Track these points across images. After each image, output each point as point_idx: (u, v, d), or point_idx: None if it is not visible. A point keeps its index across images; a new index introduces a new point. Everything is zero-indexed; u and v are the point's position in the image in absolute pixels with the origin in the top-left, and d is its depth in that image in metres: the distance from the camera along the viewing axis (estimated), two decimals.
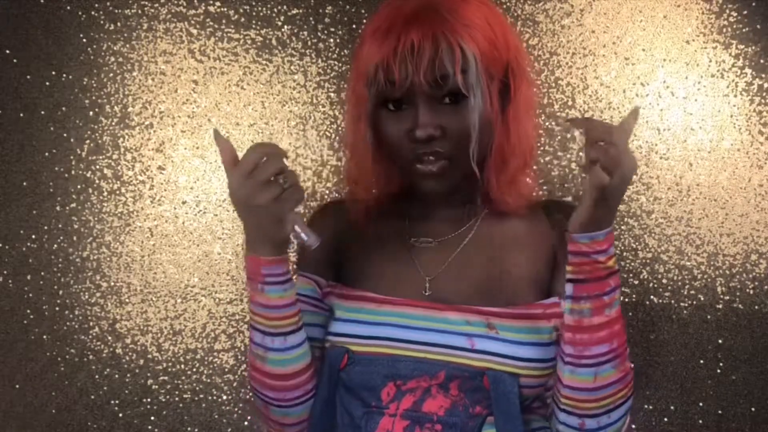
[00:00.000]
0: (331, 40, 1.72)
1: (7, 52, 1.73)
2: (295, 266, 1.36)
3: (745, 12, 1.68)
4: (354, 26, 1.72)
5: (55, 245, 1.73)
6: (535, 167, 1.65)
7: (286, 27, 1.72)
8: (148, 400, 1.73)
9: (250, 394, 1.32)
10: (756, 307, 1.68)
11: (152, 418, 1.73)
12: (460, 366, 1.19)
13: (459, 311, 1.22)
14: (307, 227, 1.13)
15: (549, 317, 1.21)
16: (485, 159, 1.23)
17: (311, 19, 1.72)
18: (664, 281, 1.69)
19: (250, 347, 1.22)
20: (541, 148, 1.69)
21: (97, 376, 1.73)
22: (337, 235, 1.33)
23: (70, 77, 1.73)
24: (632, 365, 1.18)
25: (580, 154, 1.69)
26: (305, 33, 1.72)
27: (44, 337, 1.74)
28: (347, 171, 1.33)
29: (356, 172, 1.30)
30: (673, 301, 1.68)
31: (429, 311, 1.23)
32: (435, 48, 1.13)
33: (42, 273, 1.74)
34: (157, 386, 1.73)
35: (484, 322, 1.20)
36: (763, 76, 1.68)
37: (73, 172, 1.73)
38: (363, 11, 1.71)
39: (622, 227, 1.69)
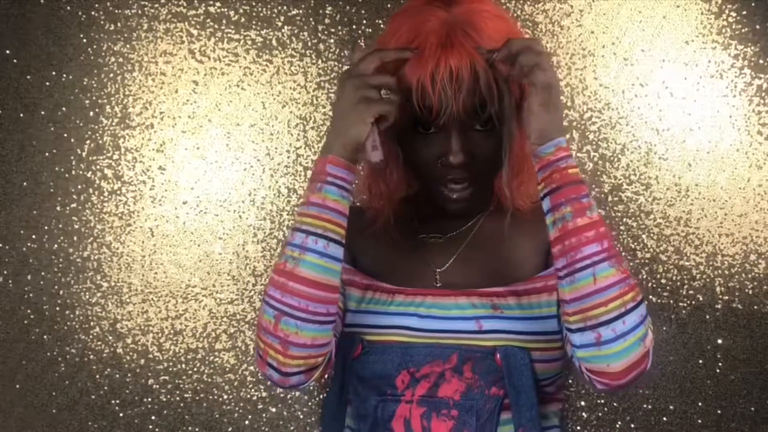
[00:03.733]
0: (332, 40, 1.72)
1: (7, 52, 1.73)
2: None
3: (744, 12, 1.68)
4: (354, 27, 1.72)
5: (56, 245, 1.74)
6: None
7: (286, 27, 1.72)
8: (149, 399, 1.73)
9: (260, 304, 1.20)
10: (755, 307, 1.68)
11: (153, 417, 1.73)
12: (471, 347, 1.20)
13: (466, 296, 1.24)
14: (378, 147, 1.15)
15: (550, 290, 1.23)
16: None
17: (311, 19, 1.72)
18: (663, 281, 1.69)
19: (283, 252, 1.16)
20: None
21: (97, 376, 1.73)
22: (353, 233, 1.33)
23: (71, 77, 1.73)
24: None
25: (579, 155, 1.70)
26: (305, 34, 1.73)
27: (45, 337, 1.74)
28: (366, 183, 1.34)
29: (375, 185, 1.33)
30: (672, 301, 1.69)
31: (439, 298, 1.25)
32: (474, 77, 1.14)
33: (42, 273, 1.74)
34: (158, 386, 1.73)
35: (489, 304, 1.22)
36: (762, 76, 1.68)
37: (73, 173, 1.73)
38: (363, 12, 1.71)
39: (621, 227, 1.70)
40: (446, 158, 1.19)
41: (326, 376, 1.25)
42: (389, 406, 1.21)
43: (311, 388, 1.70)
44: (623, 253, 1.69)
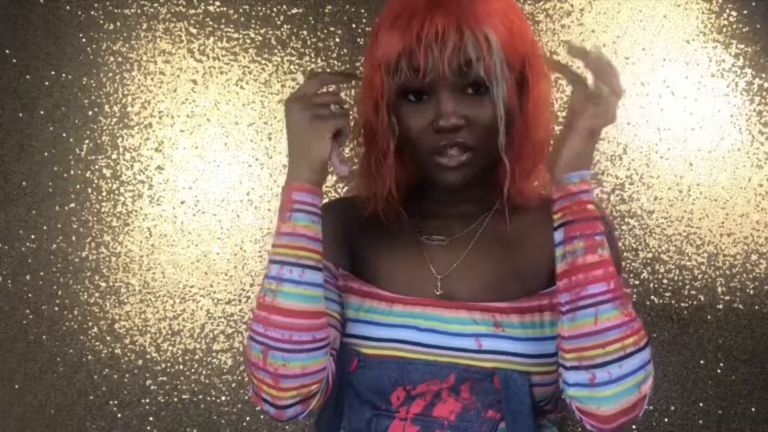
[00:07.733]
0: (331, 39, 1.72)
1: (7, 52, 1.74)
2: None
3: (745, 12, 1.68)
4: (354, 26, 1.72)
5: (54, 245, 1.73)
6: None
7: (285, 26, 1.72)
8: (147, 400, 1.73)
9: (247, 338, 1.20)
10: (756, 307, 1.67)
11: (151, 418, 1.73)
12: (469, 368, 1.17)
13: (467, 309, 1.21)
14: (344, 160, 1.14)
15: (554, 308, 1.18)
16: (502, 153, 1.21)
17: (311, 18, 1.72)
18: (665, 281, 1.68)
19: (262, 285, 1.15)
20: None
21: (95, 377, 1.73)
22: (348, 231, 1.30)
23: (70, 77, 1.73)
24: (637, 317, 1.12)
25: None
26: (305, 32, 1.72)
27: (43, 337, 1.74)
28: (363, 165, 1.30)
29: (375, 165, 1.26)
30: (673, 301, 1.68)
31: (439, 310, 1.21)
32: (459, 34, 1.11)
33: (41, 273, 1.74)
34: (155, 387, 1.73)
35: (491, 321, 1.19)
36: (763, 75, 1.68)
37: (72, 172, 1.73)
38: (363, 11, 1.71)
39: (623, 227, 1.69)
40: (437, 122, 1.15)
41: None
42: (383, 421, 1.19)
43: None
44: (625, 253, 1.69)
